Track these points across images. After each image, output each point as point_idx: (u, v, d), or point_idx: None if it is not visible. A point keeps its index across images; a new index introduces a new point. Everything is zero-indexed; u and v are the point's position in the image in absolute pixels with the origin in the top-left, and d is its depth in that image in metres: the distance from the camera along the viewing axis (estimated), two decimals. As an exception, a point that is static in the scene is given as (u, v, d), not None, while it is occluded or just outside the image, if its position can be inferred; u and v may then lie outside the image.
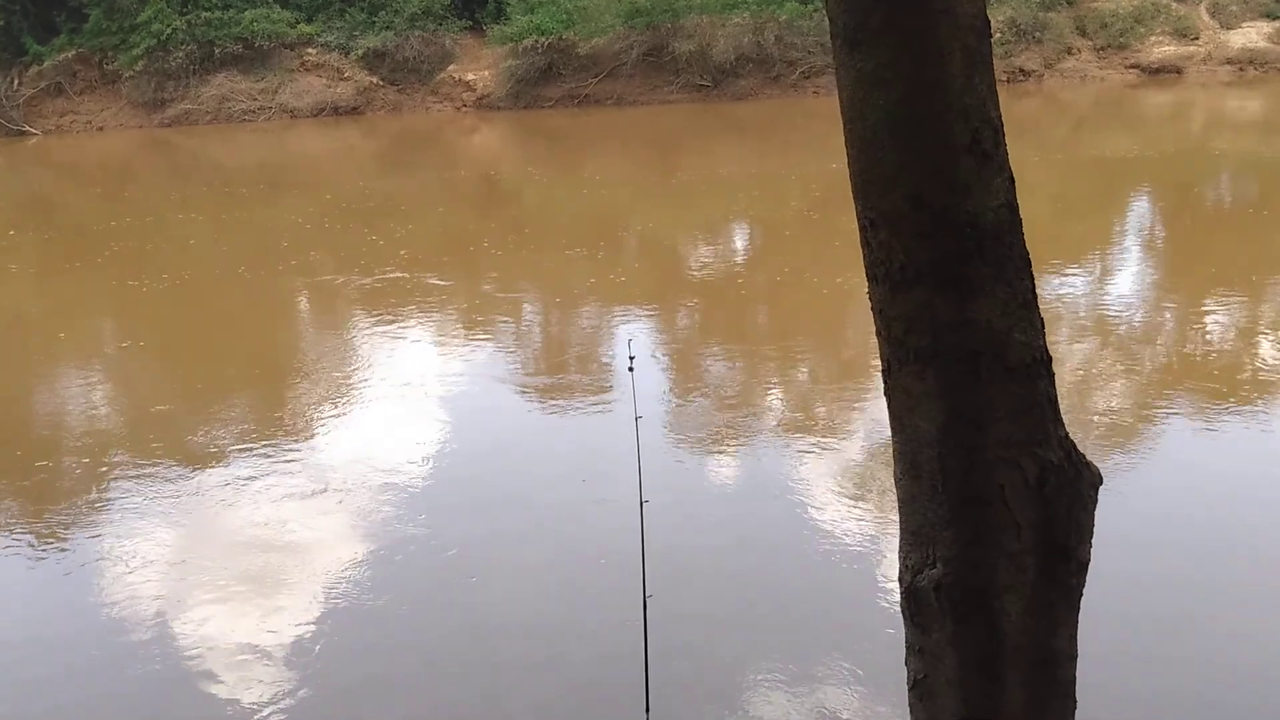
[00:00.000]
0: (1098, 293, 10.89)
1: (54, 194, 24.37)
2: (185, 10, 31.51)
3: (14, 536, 6.78)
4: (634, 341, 7.94)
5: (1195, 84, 27.70)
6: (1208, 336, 9.29)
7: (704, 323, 10.77)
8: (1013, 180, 2.11)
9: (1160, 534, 5.95)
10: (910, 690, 2.33)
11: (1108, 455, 6.79)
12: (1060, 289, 10.57)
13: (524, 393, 8.93)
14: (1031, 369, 2.14)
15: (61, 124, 32.50)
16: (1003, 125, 2.09)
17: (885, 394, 2.25)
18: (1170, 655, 4.95)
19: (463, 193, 19.82)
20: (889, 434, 2.31)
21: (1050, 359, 2.18)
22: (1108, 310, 10.21)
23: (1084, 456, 2.21)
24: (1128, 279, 11.60)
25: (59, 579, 6.25)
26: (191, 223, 18.29)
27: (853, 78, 2.08)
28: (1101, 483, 2.22)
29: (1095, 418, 7.51)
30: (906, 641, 2.32)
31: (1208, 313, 9.89)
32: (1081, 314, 10.04)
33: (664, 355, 9.61)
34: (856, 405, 8.10)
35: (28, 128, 32.06)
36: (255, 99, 31.68)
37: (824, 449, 7.34)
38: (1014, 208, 2.11)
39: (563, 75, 30.72)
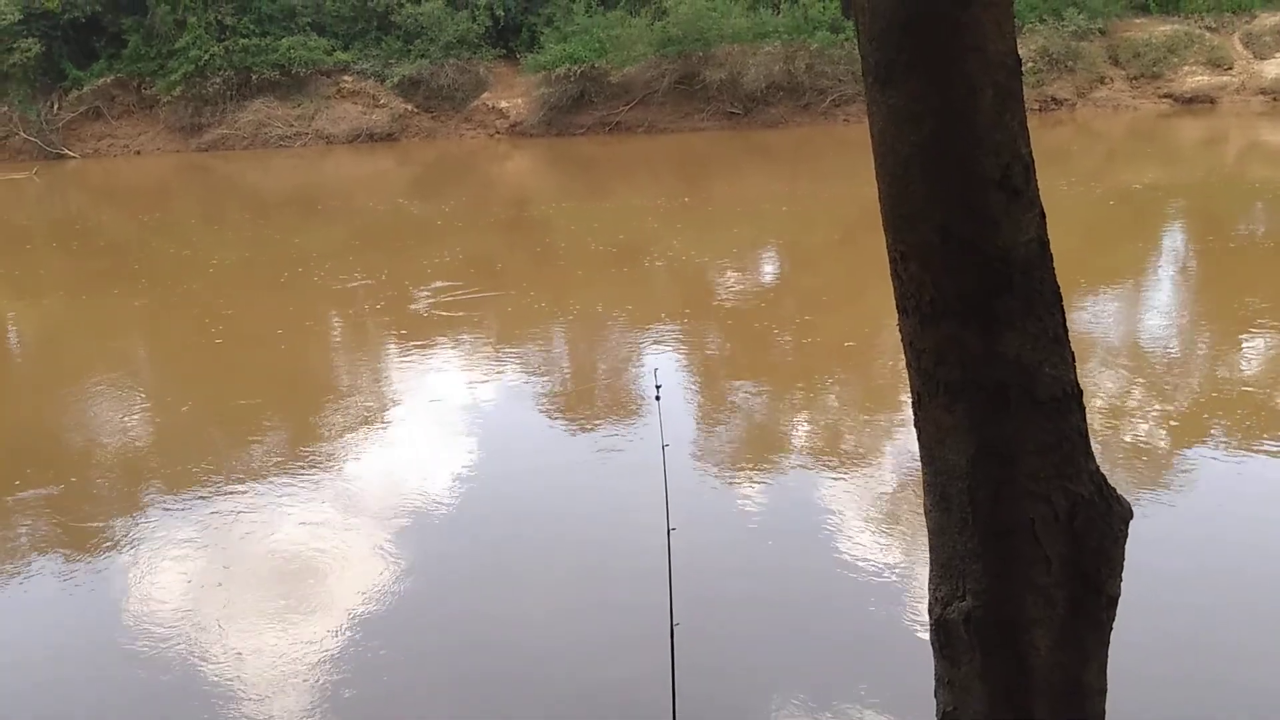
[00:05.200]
0: (1128, 324, 10.82)
1: (90, 216, 24.74)
2: (223, 37, 32.02)
3: (45, 553, 6.86)
4: (660, 370, 7.96)
5: (1229, 114, 27.54)
6: (1241, 370, 9.21)
7: (732, 350, 10.78)
8: (1043, 215, 2.12)
9: (1187, 568, 5.90)
10: (939, 723, 2.33)
11: (1136, 489, 6.73)
12: (1091, 320, 10.51)
13: (552, 419, 8.96)
14: (1062, 403, 2.14)
15: (100, 148, 33.04)
16: (1033, 161, 2.10)
17: (915, 426, 2.26)
18: (1197, 680, 4.90)
19: (494, 219, 19.98)
20: (917, 464, 2.31)
21: (1081, 393, 2.18)
22: (1138, 342, 10.14)
23: (1114, 490, 2.21)
24: (1159, 310, 11.52)
25: (88, 595, 6.31)
26: (225, 245, 18.52)
27: (884, 113, 2.10)
28: (1132, 517, 2.21)
29: (1124, 450, 7.45)
30: (936, 674, 2.32)
31: (1241, 345, 9.81)
32: (1112, 345, 9.97)
33: (692, 383, 9.63)
34: (884, 434, 8.07)
35: (66, 151, 32.60)
36: (291, 125, 32.11)
37: (852, 478, 7.32)
38: (1044, 242, 2.12)
39: (595, 103, 30.95)
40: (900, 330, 2.23)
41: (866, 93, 2.14)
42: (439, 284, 13.80)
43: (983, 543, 2.18)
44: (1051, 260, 2.14)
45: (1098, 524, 2.16)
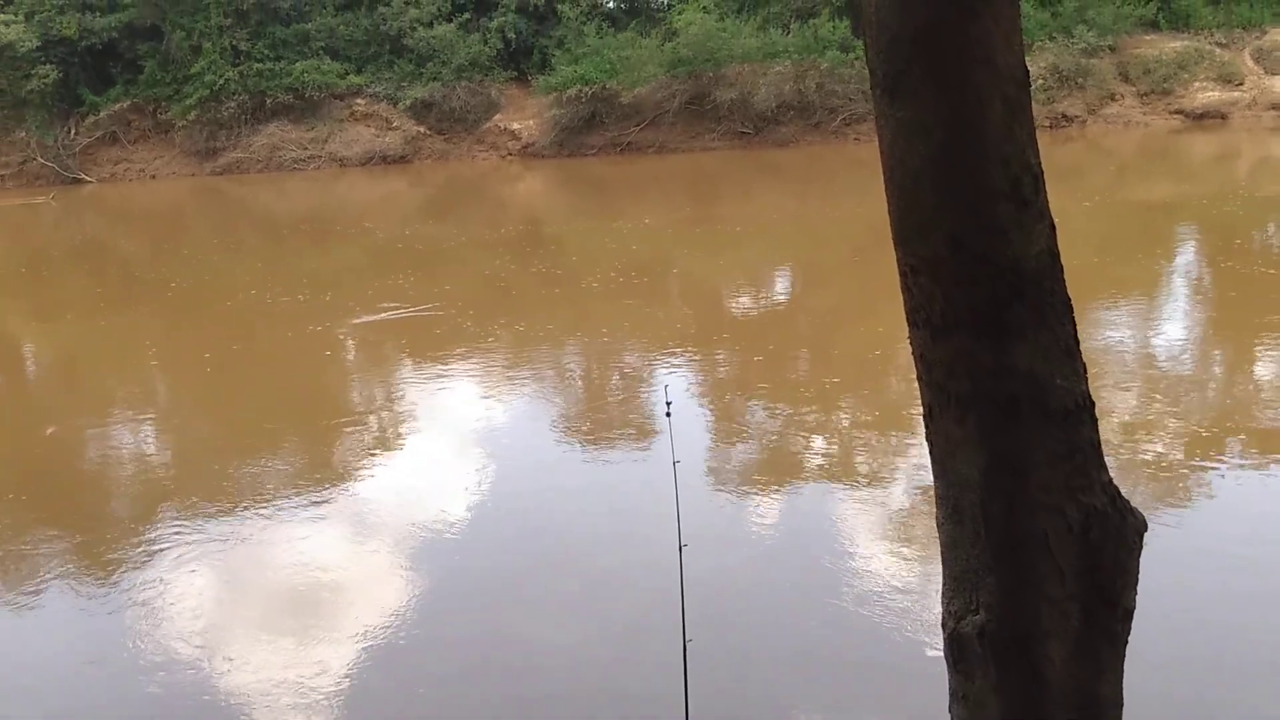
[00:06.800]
0: (1142, 340, 10.78)
1: (107, 239, 24.90)
2: (238, 62, 32.31)
3: (60, 576, 6.87)
4: (671, 387, 7.97)
5: (1240, 129, 27.51)
6: (1253, 384, 9.16)
7: (743, 368, 10.77)
8: (1053, 226, 2.12)
9: (1206, 586, 5.86)
10: (954, 738, 2.31)
11: (1150, 502, 6.69)
12: (1103, 335, 10.48)
13: (563, 437, 8.96)
14: (1074, 414, 2.13)
15: (116, 172, 33.32)
16: (1042, 172, 2.10)
17: (927, 438, 2.26)
18: (1209, 701, 4.86)
19: (506, 239, 20.04)
20: (930, 479, 2.30)
21: (1093, 404, 2.17)
22: (1152, 357, 10.10)
23: (1128, 503, 2.20)
24: (1172, 326, 11.47)
25: (104, 616, 6.31)
26: (239, 268, 18.66)
27: (893, 126, 2.11)
28: (1146, 529, 2.20)
29: (1141, 467, 7.42)
30: (950, 688, 2.30)
31: (1258, 361, 9.76)
32: (1125, 361, 9.94)
33: (703, 400, 9.62)
34: (897, 450, 8.05)
35: (83, 175, 32.89)
36: (305, 148, 32.35)
37: (864, 494, 7.29)
38: (1055, 254, 2.12)
39: (606, 124, 31.10)
40: (911, 343, 2.23)
41: (875, 105, 2.14)
42: (427, 304, 13.85)
43: (996, 556, 2.17)
44: (1062, 271, 2.13)
45: (1112, 536, 2.15)
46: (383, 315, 13.29)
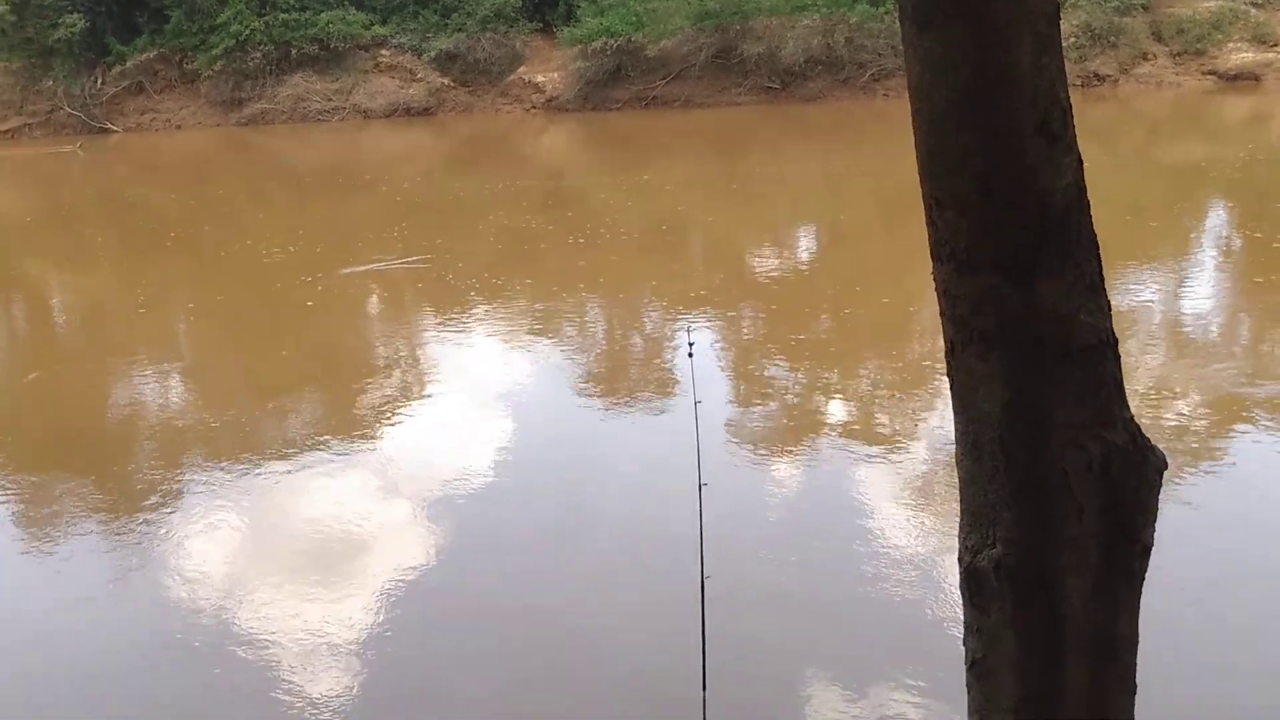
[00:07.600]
0: (1171, 300, 10.70)
1: (123, 190, 24.98)
2: (263, 12, 32.19)
3: (82, 525, 6.97)
4: (693, 329, 8.01)
5: (1274, 91, 27.07)
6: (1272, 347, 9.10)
7: (767, 321, 10.77)
8: (1080, 161, 2.10)
9: (1224, 541, 5.86)
10: (968, 670, 2.33)
11: (1177, 465, 6.68)
12: (1128, 298, 10.40)
13: (586, 383, 9.01)
14: (1097, 350, 2.13)
15: (142, 122, 33.36)
16: (1071, 106, 2.09)
17: (948, 374, 2.25)
18: (1232, 660, 4.88)
19: (530, 193, 20.00)
20: (951, 429, 2.31)
21: (1116, 341, 2.17)
22: (1180, 318, 10.03)
23: (1149, 440, 2.20)
24: (1201, 287, 11.37)
25: (124, 566, 6.41)
26: (246, 219, 18.78)
27: (921, 59, 2.09)
28: (1166, 467, 2.21)
29: (1164, 423, 7.39)
30: (965, 622, 2.32)
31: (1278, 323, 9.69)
32: (1154, 320, 9.87)
33: (726, 350, 9.63)
34: (918, 401, 8.06)
35: (109, 125, 32.96)
36: (330, 99, 32.27)
37: (885, 442, 7.31)
38: (1082, 188, 2.11)
39: (631, 77, 30.87)
40: (934, 278, 2.22)
41: (904, 38, 2.12)
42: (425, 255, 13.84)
43: (1014, 491, 2.17)
44: (1089, 207, 2.12)
45: (1133, 473, 2.15)
46: (372, 266, 13.35)
